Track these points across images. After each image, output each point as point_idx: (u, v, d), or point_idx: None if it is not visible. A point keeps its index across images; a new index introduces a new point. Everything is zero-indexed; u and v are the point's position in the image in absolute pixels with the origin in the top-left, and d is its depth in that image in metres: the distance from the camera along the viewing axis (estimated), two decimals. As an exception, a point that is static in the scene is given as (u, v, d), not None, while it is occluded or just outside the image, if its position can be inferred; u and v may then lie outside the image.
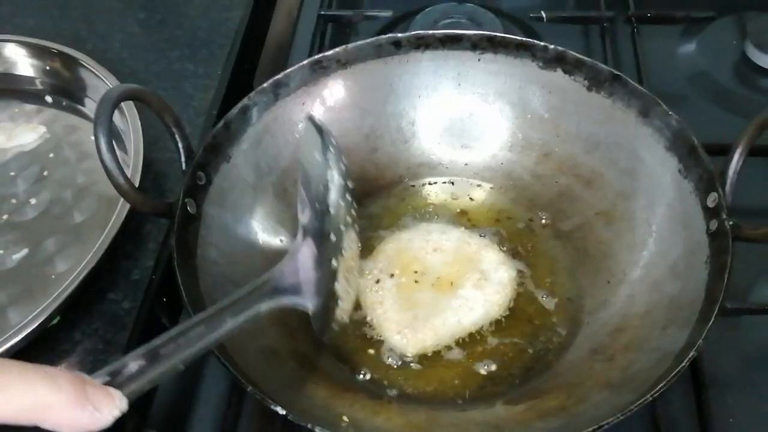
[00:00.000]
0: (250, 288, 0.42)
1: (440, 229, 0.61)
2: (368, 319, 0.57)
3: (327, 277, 0.45)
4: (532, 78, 0.63)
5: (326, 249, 0.45)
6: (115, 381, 0.32)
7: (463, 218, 0.64)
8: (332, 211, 0.45)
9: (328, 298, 0.46)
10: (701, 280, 0.50)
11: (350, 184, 0.49)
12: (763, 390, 0.55)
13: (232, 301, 0.41)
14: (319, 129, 0.49)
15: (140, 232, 0.64)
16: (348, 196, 0.48)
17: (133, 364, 0.34)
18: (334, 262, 0.45)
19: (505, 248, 0.61)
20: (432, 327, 0.55)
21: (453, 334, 0.55)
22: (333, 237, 0.45)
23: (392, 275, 0.58)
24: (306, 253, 0.45)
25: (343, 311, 0.49)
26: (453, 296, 0.56)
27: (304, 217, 0.46)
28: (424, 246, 0.60)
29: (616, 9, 0.81)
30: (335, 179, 0.46)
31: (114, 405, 0.30)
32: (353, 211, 0.49)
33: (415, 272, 0.58)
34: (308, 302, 0.46)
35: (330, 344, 0.55)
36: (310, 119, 0.50)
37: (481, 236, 0.61)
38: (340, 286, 0.47)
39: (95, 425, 0.28)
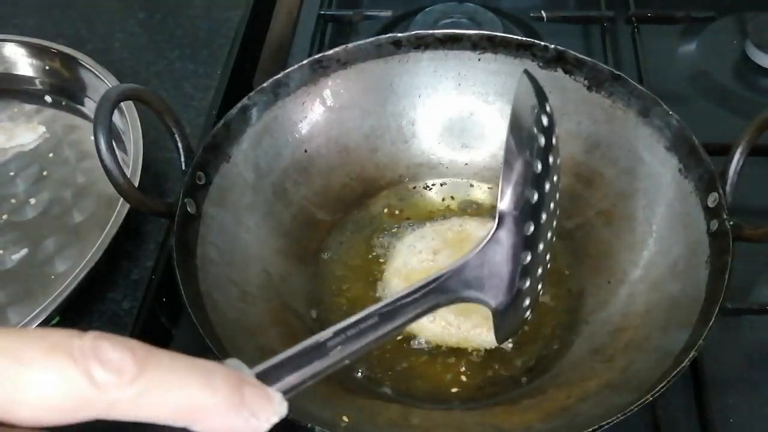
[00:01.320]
0: (429, 279, 0.37)
1: (441, 229, 0.61)
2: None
3: (517, 272, 0.40)
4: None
5: (521, 240, 0.39)
6: (275, 377, 0.28)
7: (463, 218, 0.64)
8: (541, 198, 0.40)
9: (516, 296, 0.40)
10: (702, 280, 0.50)
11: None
12: (764, 390, 0.55)
13: (410, 292, 0.36)
14: (539, 90, 0.42)
15: (140, 231, 0.64)
16: (552, 181, 0.42)
17: (297, 358, 0.29)
18: (526, 257, 0.40)
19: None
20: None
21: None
22: (531, 227, 0.39)
23: (404, 274, 0.58)
24: (499, 243, 0.39)
25: (528, 310, 0.43)
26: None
27: (505, 200, 0.39)
28: (426, 247, 0.60)
29: (616, 9, 0.81)
30: (554, 161, 0.41)
31: (273, 410, 0.26)
32: (553, 200, 0.43)
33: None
34: (491, 299, 0.40)
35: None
36: (526, 73, 0.42)
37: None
38: (528, 285, 0.41)
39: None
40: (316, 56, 0.63)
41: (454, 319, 0.55)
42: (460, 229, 0.61)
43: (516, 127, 0.40)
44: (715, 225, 0.51)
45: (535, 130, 0.40)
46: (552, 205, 0.42)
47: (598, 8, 0.82)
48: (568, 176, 0.63)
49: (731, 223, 0.50)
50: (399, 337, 0.56)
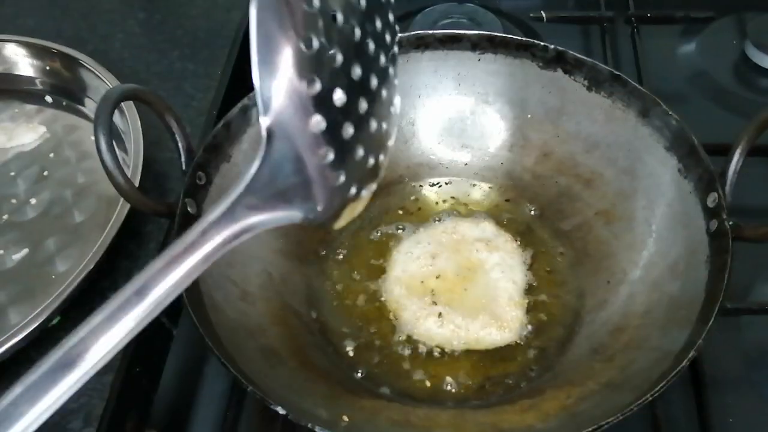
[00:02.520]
0: (196, 233, 0.30)
1: (435, 232, 0.62)
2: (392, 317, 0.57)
3: (322, 174, 0.32)
4: (532, 78, 0.63)
5: (314, 139, 0.31)
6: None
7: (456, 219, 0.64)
8: (335, 76, 0.31)
9: (330, 197, 0.33)
10: (701, 280, 0.50)
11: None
12: (763, 390, 0.55)
13: (186, 246, 0.30)
14: None
15: (140, 231, 0.64)
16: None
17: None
18: (327, 153, 0.32)
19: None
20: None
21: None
22: (321, 122, 0.31)
23: (405, 281, 0.58)
24: (279, 153, 0.30)
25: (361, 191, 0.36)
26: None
27: (267, 105, 0.30)
28: (423, 252, 0.60)
29: (616, 9, 0.81)
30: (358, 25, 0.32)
31: None
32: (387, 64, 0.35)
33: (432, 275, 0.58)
34: (297, 213, 0.32)
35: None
36: None
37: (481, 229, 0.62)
38: (343, 178, 0.33)
39: None
40: (316, 56, 0.63)
41: (461, 321, 0.55)
42: (454, 231, 0.61)
43: None
44: (714, 225, 0.51)
45: None
46: (367, 80, 0.33)
47: (597, 9, 0.82)
48: (567, 176, 0.63)
49: (731, 222, 0.50)
50: (403, 341, 0.56)
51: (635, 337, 0.52)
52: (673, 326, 0.50)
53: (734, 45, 0.81)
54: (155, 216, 0.57)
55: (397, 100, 0.37)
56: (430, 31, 0.64)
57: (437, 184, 0.66)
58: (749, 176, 0.53)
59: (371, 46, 0.33)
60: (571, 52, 0.62)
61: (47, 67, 0.75)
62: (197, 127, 0.72)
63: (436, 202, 0.65)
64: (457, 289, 0.57)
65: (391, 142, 0.36)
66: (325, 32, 0.30)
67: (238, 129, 0.59)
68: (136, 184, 0.60)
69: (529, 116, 0.65)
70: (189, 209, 0.54)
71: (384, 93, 0.35)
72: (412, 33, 0.64)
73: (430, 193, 0.66)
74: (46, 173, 0.69)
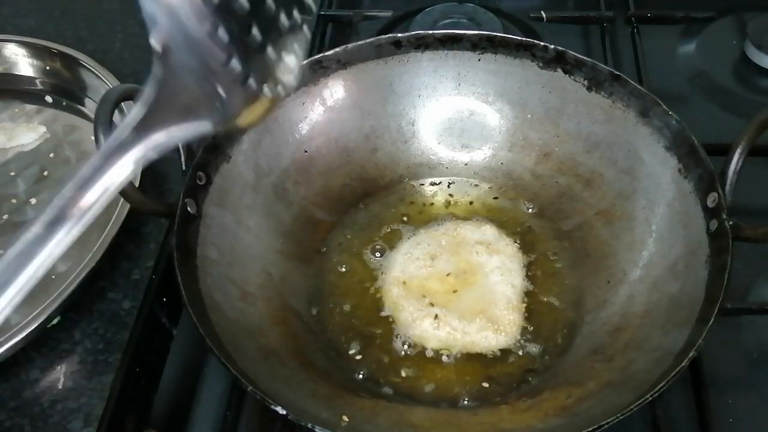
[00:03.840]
0: (115, 139, 0.29)
1: (436, 234, 0.62)
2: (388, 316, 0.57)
3: (225, 78, 0.31)
4: (532, 78, 0.63)
5: (204, 54, 0.30)
6: None
7: (463, 217, 0.64)
8: None
9: (235, 94, 0.31)
10: (701, 280, 0.50)
11: None
12: (763, 390, 0.55)
13: (94, 164, 0.29)
14: None
15: (140, 232, 0.64)
16: None
17: None
18: (223, 59, 0.30)
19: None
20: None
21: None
22: (217, 28, 0.30)
23: (404, 282, 0.58)
24: (175, 67, 0.30)
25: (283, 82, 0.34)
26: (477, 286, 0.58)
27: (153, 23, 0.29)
28: (423, 253, 0.60)
29: (616, 9, 0.81)
30: None
31: None
32: None
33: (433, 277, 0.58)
34: (209, 122, 0.31)
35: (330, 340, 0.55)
36: None
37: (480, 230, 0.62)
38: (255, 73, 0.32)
39: None
40: (316, 56, 0.63)
41: (458, 324, 0.55)
42: (455, 234, 0.61)
43: None
44: (714, 225, 0.51)
45: None
46: None
47: (597, 9, 0.82)
48: (567, 176, 0.63)
49: (731, 223, 0.50)
50: (402, 342, 0.56)
51: (635, 338, 0.52)
52: (673, 326, 0.50)
53: (734, 45, 0.81)
54: (155, 216, 0.58)
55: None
56: (430, 31, 0.64)
57: (437, 184, 0.66)
58: (749, 176, 0.53)
59: None
60: (571, 52, 0.62)
61: (47, 67, 0.75)
62: (197, 127, 0.72)
63: (436, 202, 0.65)
64: (455, 292, 0.57)
65: (300, 45, 0.34)
66: None
67: (237, 129, 0.59)
68: (136, 185, 0.60)
69: (529, 116, 0.65)
70: (189, 209, 0.54)
71: None
72: (412, 33, 0.64)
73: (430, 193, 0.66)
74: (46, 173, 0.69)
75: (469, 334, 0.55)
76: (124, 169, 0.30)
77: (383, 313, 0.57)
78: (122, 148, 0.30)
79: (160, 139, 0.30)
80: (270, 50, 0.32)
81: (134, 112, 0.30)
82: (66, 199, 0.29)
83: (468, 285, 0.58)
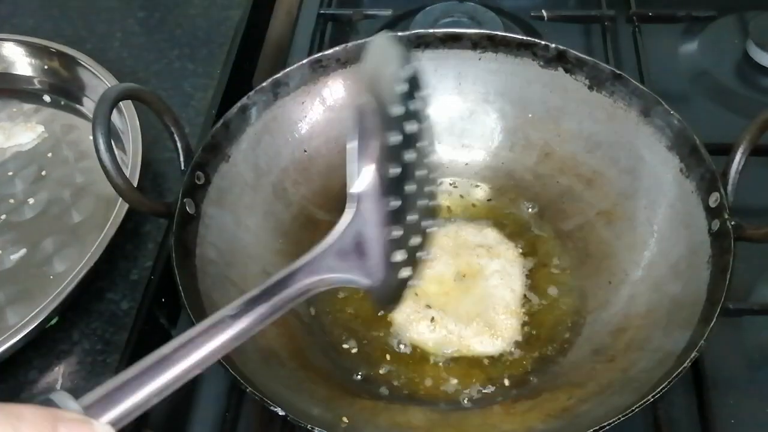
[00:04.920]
0: (285, 274, 0.35)
1: (437, 236, 0.61)
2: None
3: (386, 249, 0.37)
4: (533, 77, 0.63)
5: (385, 216, 0.37)
6: (102, 407, 0.28)
7: (463, 218, 0.64)
8: (404, 172, 0.37)
9: (390, 270, 0.38)
10: (703, 281, 0.50)
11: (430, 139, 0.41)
12: (765, 391, 0.54)
13: (261, 292, 0.34)
14: (398, 54, 0.39)
15: (139, 232, 0.64)
16: (417, 148, 0.39)
17: (135, 379, 0.29)
18: (394, 231, 0.37)
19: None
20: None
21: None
22: (396, 202, 0.37)
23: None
24: (360, 224, 0.37)
25: (408, 283, 0.40)
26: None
27: (358, 182, 0.37)
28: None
29: (617, 8, 0.81)
30: (416, 130, 0.38)
31: None
32: (422, 166, 0.40)
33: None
34: (363, 278, 0.38)
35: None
36: (385, 35, 0.40)
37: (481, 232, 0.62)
38: (399, 257, 0.38)
39: None
40: (316, 56, 0.63)
41: (454, 327, 0.55)
42: (456, 236, 0.61)
43: (363, 106, 0.38)
44: (716, 225, 0.51)
45: (387, 100, 0.37)
46: (421, 172, 0.39)
47: (599, 7, 0.82)
48: (568, 176, 0.63)
49: (733, 223, 0.50)
50: (401, 343, 0.56)
51: (637, 338, 0.52)
52: (674, 327, 0.50)
53: (736, 44, 0.80)
54: (154, 216, 0.57)
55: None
56: (431, 30, 0.64)
57: (438, 183, 0.66)
58: (751, 176, 0.53)
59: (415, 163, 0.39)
60: (573, 51, 0.61)
61: (45, 67, 0.75)
62: (196, 126, 0.72)
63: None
64: (453, 294, 0.57)
65: (427, 254, 0.41)
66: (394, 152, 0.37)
67: (236, 129, 0.59)
68: (135, 184, 0.60)
69: (530, 116, 0.64)
70: (188, 209, 0.53)
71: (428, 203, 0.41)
72: (413, 32, 0.64)
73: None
74: (44, 173, 0.69)
75: (465, 338, 0.55)
76: (296, 292, 0.35)
77: (382, 314, 0.57)
78: (300, 274, 0.36)
79: (329, 277, 0.36)
80: (415, 239, 0.40)
81: (320, 247, 0.37)
82: (246, 300, 0.33)
83: (467, 288, 0.57)
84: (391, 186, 0.37)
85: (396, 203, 0.37)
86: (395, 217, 0.37)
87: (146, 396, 0.29)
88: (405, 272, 0.39)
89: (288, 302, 0.35)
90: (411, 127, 0.38)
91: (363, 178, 0.36)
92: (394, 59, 0.38)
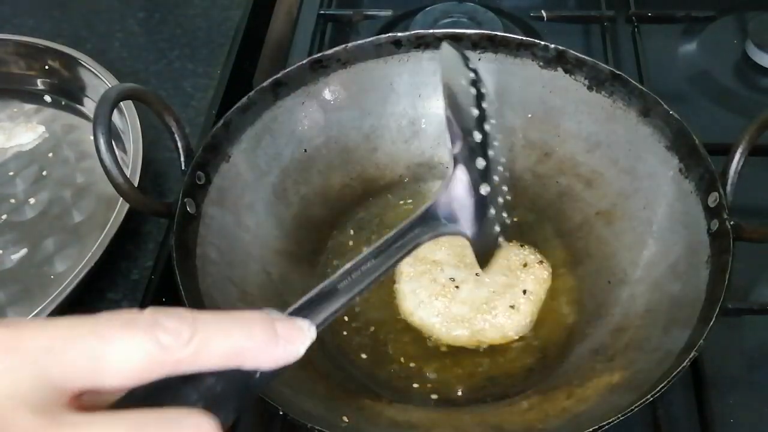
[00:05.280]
0: (411, 220, 0.42)
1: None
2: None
3: (480, 203, 0.44)
4: (533, 77, 0.63)
5: (477, 175, 0.44)
6: (302, 314, 0.34)
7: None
8: (484, 139, 0.46)
9: (485, 224, 0.45)
10: (702, 280, 0.50)
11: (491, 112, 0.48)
12: (765, 390, 0.54)
13: (396, 234, 0.41)
14: (463, 55, 0.49)
15: (139, 232, 0.64)
16: (490, 123, 0.47)
17: (317, 299, 0.35)
18: (485, 188, 0.44)
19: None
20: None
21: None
22: (482, 163, 0.44)
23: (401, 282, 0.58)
24: (459, 181, 0.44)
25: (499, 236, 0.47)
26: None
27: (456, 146, 0.44)
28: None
29: (616, 8, 0.81)
30: (487, 108, 0.47)
31: (303, 335, 0.32)
32: (496, 139, 0.48)
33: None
34: (466, 230, 0.44)
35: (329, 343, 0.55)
36: (449, 43, 0.50)
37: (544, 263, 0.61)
38: (493, 213, 0.45)
39: (290, 357, 0.31)
40: (316, 56, 0.63)
41: (461, 318, 0.55)
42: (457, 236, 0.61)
43: (449, 87, 0.47)
44: (715, 225, 0.51)
45: (465, 83, 0.47)
46: (496, 142, 0.47)
47: (598, 8, 0.82)
48: (568, 176, 0.63)
49: (732, 223, 0.50)
50: (403, 341, 0.56)
51: (636, 338, 0.52)
52: (674, 326, 0.50)
53: (735, 44, 0.80)
54: (154, 216, 0.57)
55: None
56: (431, 31, 0.64)
57: (437, 183, 0.66)
58: (750, 176, 0.53)
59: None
60: (572, 51, 0.62)
61: (46, 67, 0.75)
62: (196, 126, 0.72)
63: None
64: (456, 290, 0.57)
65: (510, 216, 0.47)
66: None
67: (237, 128, 0.59)
68: (136, 184, 0.60)
69: (529, 116, 0.64)
70: (188, 209, 0.53)
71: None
72: (413, 32, 0.64)
73: (430, 193, 0.66)
74: (45, 173, 0.69)
75: (473, 328, 0.55)
76: (412, 246, 0.41)
77: (381, 314, 0.57)
78: (415, 230, 0.42)
79: (438, 231, 0.42)
80: (500, 198, 0.46)
81: (425, 208, 0.43)
82: (371, 258, 0.39)
83: (470, 286, 0.57)
84: (477, 150, 0.44)
85: (483, 163, 0.44)
86: (483, 176, 0.44)
87: (338, 307, 0.35)
88: (497, 227, 0.45)
89: (413, 245, 0.41)
90: (484, 104, 0.47)
91: (458, 143, 0.44)
92: (461, 60, 0.48)
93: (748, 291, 0.59)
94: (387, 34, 0.64)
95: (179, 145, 0.56)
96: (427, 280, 0.57)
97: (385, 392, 0.53)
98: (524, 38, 0.63)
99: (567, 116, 0.63)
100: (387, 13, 0.82)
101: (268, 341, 0.30)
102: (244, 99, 0.60)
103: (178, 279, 0.49)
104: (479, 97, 0.47)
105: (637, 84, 0.59)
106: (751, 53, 0.78)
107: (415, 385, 0.54)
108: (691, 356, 0.45)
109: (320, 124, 0.64)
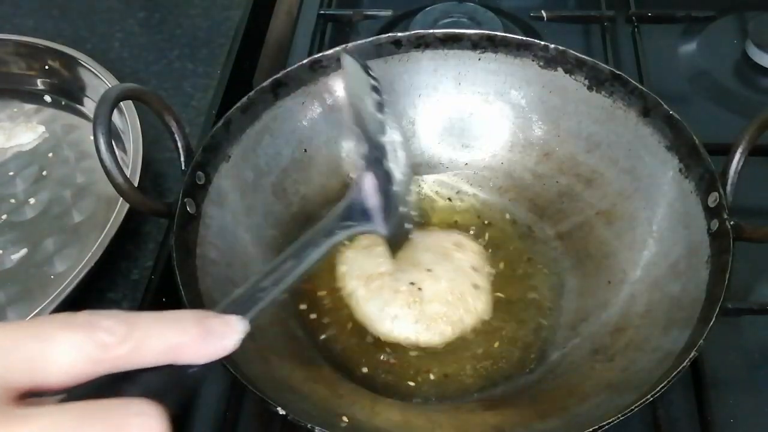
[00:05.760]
0: (325, 223, 0.45)
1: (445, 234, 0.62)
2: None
3: (389, 202, 0.48)
4: (533, 77, 0.63)
5: (384, 177, 0.48)
6: (232, 311, 0.36)
7: (463, 218, 0.64)
8: (387, 147, 0.49)
9: (395, 220, 0.49)
10: (702, 280, 0.50)
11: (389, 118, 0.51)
12: (765, 390, 0.55)
13: (311, 235, 0.44)
14: (365, 67, 0.53)
15: (139, 232, 0.64)
16: (393, 128, 0.51)
17: (244, 295, 0.38)
18: (391, 189, 0.48)
19: (504, 248, 0.61)
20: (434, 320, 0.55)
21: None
22: (388, 165, 0.48)
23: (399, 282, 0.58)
24: (370, 181, 0.48)
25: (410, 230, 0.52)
26: (444, 293, 0.57)
27: (362, 148, 0.49)
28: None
29: (616, 8, 0.81)
30: (388, 113, 0.51)
31: (234, 331, 0.34)
32: (399, 137, 0.51)
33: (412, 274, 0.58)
34: (379, 227, 0.48)
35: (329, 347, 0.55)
36: (350, 55, 0.55)
37: (473, 237, 0.62)
38: (402, 209, 0.49)
39: (222, 351, 0.33)
40: (316, 56, 0.63)
41: (451, 328, 0.56)
42: (450, 237, 0.61)
43: (353, 97, 0.52)
44: (715, 225, 0.51)
45: (368, 91, 0.51)
46: (398, 146, 0.50)
47: (598, 8, 0.82)
48: (568, 176, 0.63)
49: (732, 223, 0.50)
50: (403, 343, 0.56)
51: (636, 338, 0.52)
52: (674, 326, 0.50)
53: (735, 44, 0.80)
54: (154, 216, 0.57)
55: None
56: (430, 30, 0.64)
57: (437, 183, 0.66)
58: (750, 176, 0.53)
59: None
60: (572, 51, 0.62)
61: (46, 67, 0.75)
62: (196, 126, 0.72)
63: (437, 202, 0.65)
64: (421, 290, 0.57)
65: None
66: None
67: (237, 129, 0.59)
68: (136, 184, 0.60)
69: (529, 116, 0.64)
70: (188, 209, 0.53)
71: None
72: (412, 32, 0.64)
73: (430, 192, 0.66)
74: (44, 173, 0.69)
75: (449, 329, 0.56)
76: (331, 245, 0.45)
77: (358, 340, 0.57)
78: (331, 231, 0.46)
79: (351, 232, 0.47)
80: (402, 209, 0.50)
81: (340, 208, 0.48)
82: (290, 263, 0.42)
83: (428, 283, 0.57)
84: (383, 153, 0.48)
85: (389, 165, 0.48)
86: (390, 177, 0.48)
87: (264, 305, 0.38)
88: (407, 223, 0.50)
89: (330, 245, 0.44)
90: (386, 111, 0.51)
91: (365, 148, 0.49)
92: (363, 75, 0.53)
93: (748, 291, 0.59)
94: (387, 34, 0.64)
95: (179, 145, 0.56)
96: (389, 293, 0.57)
97: (385, 392, 0.53)
98: (524, 38, 0.63)
99: (567, 116, 0.63)
100: (387, 13, 0.82)
101: (201, 337, 0.32)
102: (244, 99, 0.60)
103: (178, 279, 0.49)
104: (381, 105, 0.51)
105: (637, 84, 0.59)
106: (751, 53, 0.78)
107: (414, 385, 0.54)
108: (691, 356, 0.45)
109: (320, 124, 0.64)
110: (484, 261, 0.59)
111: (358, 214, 0.47)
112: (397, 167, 0.49)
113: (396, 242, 0.51)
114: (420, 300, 0.56)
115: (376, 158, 0.48)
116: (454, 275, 0.58)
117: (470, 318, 0.56)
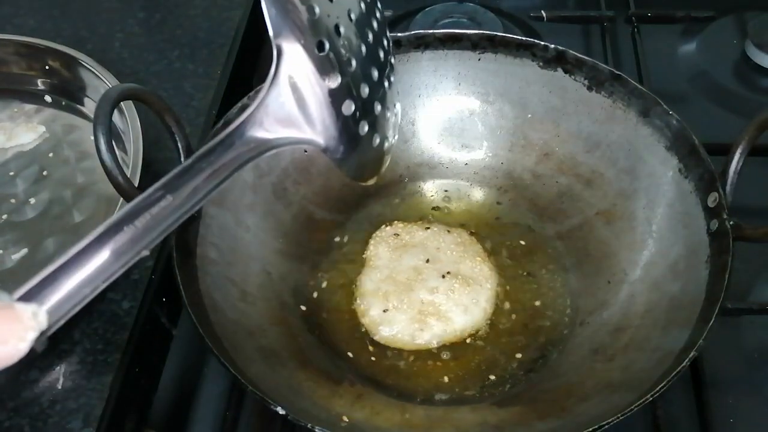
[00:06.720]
0: (221, 137, 0.32)
1: (437, 232, 0.62)
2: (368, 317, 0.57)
3: (331, 100, 0.33)
4: (533, 78, 0.63)
5: (321, 61, 0.33)
6: (38, 295, 0.26)
7: (463, 218, 0.64)
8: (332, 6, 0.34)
9: (347, 126, 0.34)
10: (702, 280, 0.50)
11: None
12: (764, 390, 0.55)
13: (198, 156, 0.32)
14: None
15: (140, 231, 0.64)
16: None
17: (73, 263, 0.27)
18: (333, 80, 0.33)
19: (505, 248, 0.61)
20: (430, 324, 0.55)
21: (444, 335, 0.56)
22: (329, 43, 0.33)
23: (391, 276, 0.58)
24: (296, 71, 0.32)
25: (383, 143, 0.37)
26: (445, 296, 0.57)
27: (276, 24, 0.32)
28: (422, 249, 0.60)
29: (616, 8, 0.81)
30: None
31: (23, 328, 0.24)
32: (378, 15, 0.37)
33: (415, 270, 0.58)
34: (317, 136, 0.34)
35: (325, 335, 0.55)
36: None
37: (473, 237, 0.62)
38: (359, 111, 0.35)
39: (7, 360, 0.24)
40: (316, 56, 0.63)
41: (447, 327, 0.55)
42: (451, 238, 0.61)
43: None
44: (715, 225, 0.51)
45: None
46: (356, 13, 0.35)
47: (598, 8, 0.82)
48: (568, 176, 0.63)
49: (731, 222, 0.50)
50: (403, 344, 0.56)
51: (636, 338, 0.52)
52: (673, 326, 0.50)
53: (735, 45, 0.81)
54: (155, 216, 0.57)
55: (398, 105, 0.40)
56: (430, 31, 0.64)
57: (437, 183, 0.66)
58: (750, 176, 0.53)
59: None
60: (572, 51, 0.62)
61: (46, 67, 0.75)
62: (197, 126, 0.72)
63: (437, 203, 0.65)
64: (450, 292, 0.57)
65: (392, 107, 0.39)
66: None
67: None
68: (136, 184, 0.60)
69: (529, 116, 0.65)
70: (188, 209, 0.53)
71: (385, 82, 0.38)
72: (412, 32, 0.64)
73: (430, 193, 0.66)
74: (45, 173, 0.69)
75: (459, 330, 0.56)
76: (228, 162, 0.32)
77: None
78: (231, 139, 0.32)
79: (267, 137, 0.33)
80: (377, 105, 0.36)
81: (248, 111, 0.33)
82: (171, 176, 0.31)
83: (463, 286, 0.57)
84: (317, 27, 0.32)
85: (326, 46, 0.33)
86: (331, 65, 0.33)
87: (82, 282, 0.27)
88: (365, 128, 0.35)
89: (232, 167, 0.32)
90: None
91: (278, 21, 0.31)
92: None
93: (748, 291, 0.59)
94: (387, 35, 0.64)
95: (179, 145, 0.56)
96: (391, 295, 0.57)
97: (386, 392, 0.53)
98: (524, 38, 0.63)
99: (567, 116, 0.63)
100: (387, 13, 0.81)
101: None
102: (245, 99, 0.60)
103: (179, 279, 0.49)
104: None
105: (637, 84, 0.59)
106: (750, 53, 0.78)
107: (414, 385, 0.54)
108: (690, 356, 0.45)
109: (320, 124, 0.64)
110: (483, 261, 0.59)
111: (277, 116, 0.32)
112: (352, 48, 0.34)
113: (355, 161, 0.36)
114: (420, 302, 0.56)
115: (308, 30, 0.32)
116: (454, 276, 0.58)
117: (470, 319, 0.56)
